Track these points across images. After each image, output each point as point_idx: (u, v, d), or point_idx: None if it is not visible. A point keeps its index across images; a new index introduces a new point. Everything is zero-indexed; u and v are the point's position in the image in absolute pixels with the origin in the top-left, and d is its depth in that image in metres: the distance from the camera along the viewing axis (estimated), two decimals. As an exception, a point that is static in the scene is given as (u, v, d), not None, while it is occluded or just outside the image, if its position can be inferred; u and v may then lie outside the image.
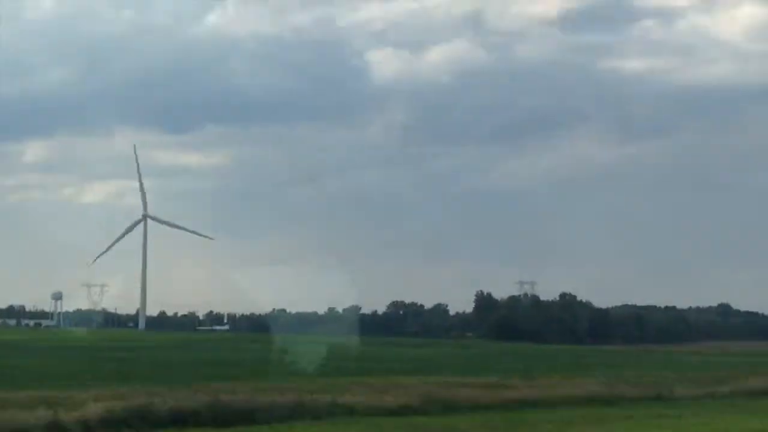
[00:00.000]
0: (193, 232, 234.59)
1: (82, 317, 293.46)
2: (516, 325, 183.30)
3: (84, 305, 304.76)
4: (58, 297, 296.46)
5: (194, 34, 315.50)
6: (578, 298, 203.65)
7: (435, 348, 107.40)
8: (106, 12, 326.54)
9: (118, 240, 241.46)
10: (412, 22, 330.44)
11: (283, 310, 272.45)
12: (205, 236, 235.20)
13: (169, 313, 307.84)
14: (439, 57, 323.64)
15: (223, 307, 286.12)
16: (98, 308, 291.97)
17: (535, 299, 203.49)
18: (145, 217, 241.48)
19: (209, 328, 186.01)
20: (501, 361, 79.68)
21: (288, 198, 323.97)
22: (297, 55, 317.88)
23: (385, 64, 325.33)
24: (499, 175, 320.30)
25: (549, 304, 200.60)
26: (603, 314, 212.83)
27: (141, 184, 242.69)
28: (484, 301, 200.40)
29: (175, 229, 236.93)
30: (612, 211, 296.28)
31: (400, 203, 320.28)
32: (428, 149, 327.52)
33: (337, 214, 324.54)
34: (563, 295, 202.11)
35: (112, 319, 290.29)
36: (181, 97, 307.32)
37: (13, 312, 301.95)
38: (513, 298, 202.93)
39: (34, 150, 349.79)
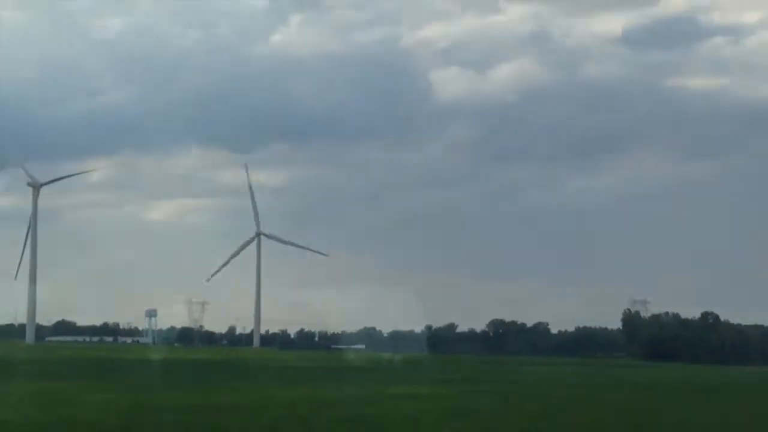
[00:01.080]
0: (307, 248, 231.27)
1: (178, 334, 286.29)
2: (664, 345, 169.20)
3: (178, 322, 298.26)
4: (152, 314, 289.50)
5: (259, 53, 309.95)
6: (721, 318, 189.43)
7: (634, 370, 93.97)
8: (172, 31, 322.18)
9: (233, 257, 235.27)
10: (477, 41, 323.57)
11: (373, 328, 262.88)
12: (320, 253, 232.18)
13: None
14: (504, 75, 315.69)
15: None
16: (197, 326, 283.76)
17: (677, 318, 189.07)
18: (258, 234, 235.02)
19: (345, 347, 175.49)
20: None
21: (350, 216, 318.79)
22: (361, 74, 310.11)
23: (449, 82, 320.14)
24: (566, 192, 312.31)
25: (693, 324, 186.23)
26: (743, 333, 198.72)
27: (253, 202, 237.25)
28: (632, 320, 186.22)
29: (289, 246, 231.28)
30: (692, 227, 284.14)
31: (466, 221, 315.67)
32: (492, 167, 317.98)
33: (401, 233, 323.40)
34: (705, 314, 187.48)
35: (207, 337, 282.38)
36: (244, 116, 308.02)
37: (108, 329, 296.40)
38: (655, 317, 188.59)
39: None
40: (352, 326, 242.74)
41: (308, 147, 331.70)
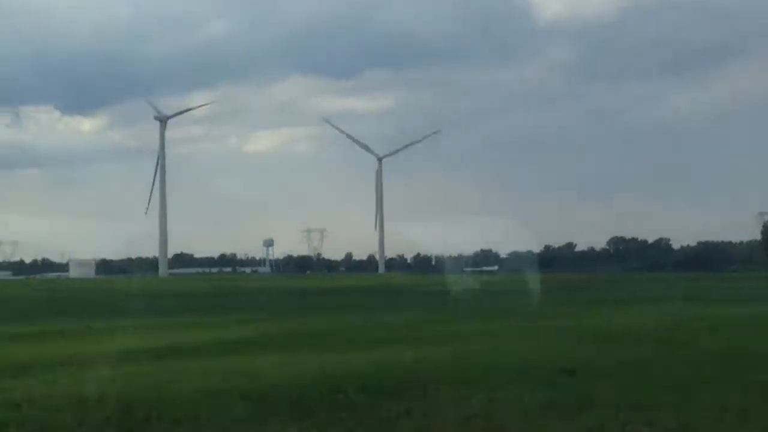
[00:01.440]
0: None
1: (296, 262, 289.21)
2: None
3: (295, 251, 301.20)
4: (269, 244, 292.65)
5: None
6: None
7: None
8: None
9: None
10: None
11: (489, 251, 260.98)
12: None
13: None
14: None
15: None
16: (315, 253, 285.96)
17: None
18: (379, 159, 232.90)
19: (478, 269, 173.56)
20: None
21: (450, 141, 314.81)
22: None
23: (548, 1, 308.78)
24: (669, 109, 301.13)
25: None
26: None
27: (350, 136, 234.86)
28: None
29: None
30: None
31: (572, 141, 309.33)
32: (595, 85, 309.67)
33: (502, 156, 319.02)
34: None
35: (325, 264, 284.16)
36: (344, 43, 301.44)
37: (225, 260, 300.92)
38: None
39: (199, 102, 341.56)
40: (467, 249, 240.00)
41: (407, 72, 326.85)
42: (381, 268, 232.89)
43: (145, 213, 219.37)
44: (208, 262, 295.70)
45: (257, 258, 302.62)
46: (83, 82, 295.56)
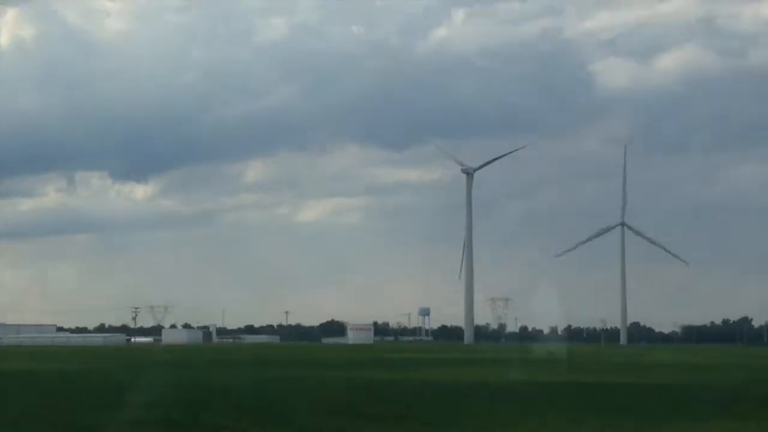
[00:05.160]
0: (670, 252, 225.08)
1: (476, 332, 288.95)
2: None
3: (446, 321, 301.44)
4: (425, 313, 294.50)
5: (422, 49, 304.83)
6: None
7: None
8: (334, 29, 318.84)
9: (589, 240, 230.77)
10: (643, 30, 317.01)
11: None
12: (682, 260, 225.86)
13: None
14: (669, 64, 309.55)
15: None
16: (500, 323, 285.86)
17: None
18: (623, 224, 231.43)
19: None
20: None
21: (509, 211, 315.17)
22: (522, 68, 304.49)
23: (612, 73, 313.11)
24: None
25: None
26: None
27: (624, 190, 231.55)
28: None
29: (652, 245, 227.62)
30: None
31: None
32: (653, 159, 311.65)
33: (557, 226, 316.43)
34: None
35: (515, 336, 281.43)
36: (404, 113, 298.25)
37: (378, 329, 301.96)
38: None
39: (254, 170, 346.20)
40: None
41: (467, 144, 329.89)
42: (623, 340, 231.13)
43: (459, 278, 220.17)
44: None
45: (409, 327, 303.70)
46: (140, 149, 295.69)
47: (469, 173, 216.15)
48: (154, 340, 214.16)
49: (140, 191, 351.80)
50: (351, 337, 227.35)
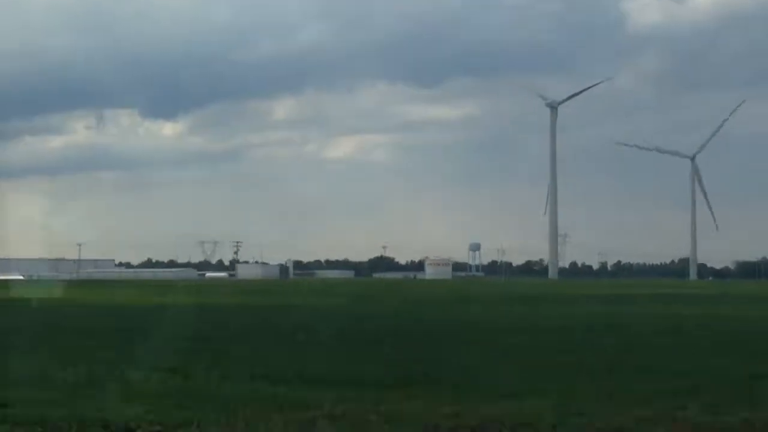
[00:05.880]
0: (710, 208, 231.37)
1: (521, 267, 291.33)
2: None
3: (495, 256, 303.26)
4: (476, 248, 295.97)
5: None
6: None
7: None
8: None
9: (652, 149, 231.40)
10: None
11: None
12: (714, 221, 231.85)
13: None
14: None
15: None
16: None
17: None
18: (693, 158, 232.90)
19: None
20: None
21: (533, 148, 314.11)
22: (551, 5, 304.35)
23: (644, 11, 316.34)
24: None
25: None
26: None
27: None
28: None
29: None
30: None
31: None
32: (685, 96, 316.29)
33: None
34: None
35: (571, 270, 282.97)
36: (432, 51, 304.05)
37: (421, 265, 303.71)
38: None
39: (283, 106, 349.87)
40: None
41: (494, 81, 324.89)
42: (693, 275, 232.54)
43: (544, 214, 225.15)
44: (411, 266, 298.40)
45: (459, 261, 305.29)
46: (169, 86, 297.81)
47: (553, 107, 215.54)
48: (229, 275, 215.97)
49: (169, 128, 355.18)
50: (429, 273, 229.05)
